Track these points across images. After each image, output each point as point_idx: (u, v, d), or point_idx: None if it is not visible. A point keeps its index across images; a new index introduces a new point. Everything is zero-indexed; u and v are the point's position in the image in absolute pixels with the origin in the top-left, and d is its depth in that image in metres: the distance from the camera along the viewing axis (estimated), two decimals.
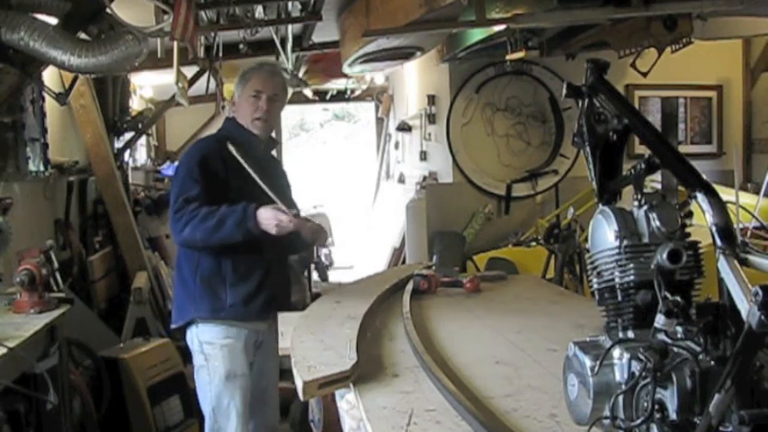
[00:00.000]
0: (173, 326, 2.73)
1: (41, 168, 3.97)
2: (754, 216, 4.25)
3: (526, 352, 1.97)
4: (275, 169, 2.85)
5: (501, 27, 4.13)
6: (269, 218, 2.40)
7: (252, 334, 2.64)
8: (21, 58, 2.84)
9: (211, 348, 2.57)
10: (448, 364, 1.85)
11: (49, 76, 4.17)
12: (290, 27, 4.83)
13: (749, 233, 4.22)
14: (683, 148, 5.37)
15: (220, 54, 4.96)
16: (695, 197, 1.21)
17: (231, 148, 2.54)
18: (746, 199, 4.48)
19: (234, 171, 2.55)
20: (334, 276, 7.66)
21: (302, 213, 2.86)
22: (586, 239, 1.41)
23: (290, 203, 2.70)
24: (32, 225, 4.04)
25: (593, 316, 1.51)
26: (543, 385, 1.65)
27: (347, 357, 1.79)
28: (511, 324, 2.30)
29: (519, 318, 2.43)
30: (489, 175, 5.91)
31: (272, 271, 2.66)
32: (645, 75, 4.85)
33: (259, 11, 4.32)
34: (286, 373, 2.36)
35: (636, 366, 1.15)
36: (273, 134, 2.90)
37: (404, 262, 6.38)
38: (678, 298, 1.14)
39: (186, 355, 3.09)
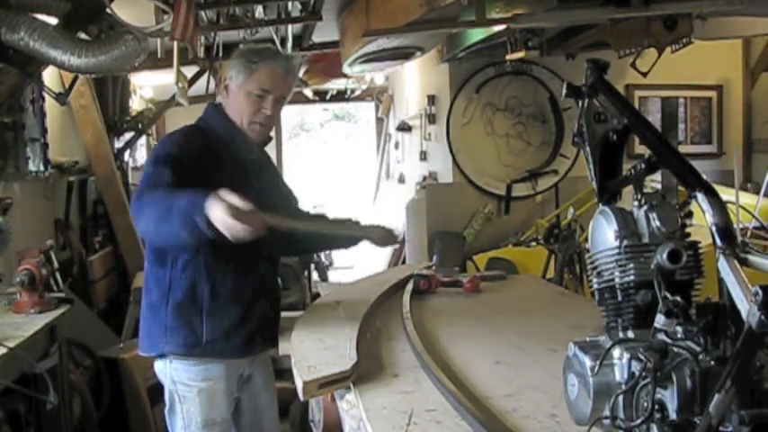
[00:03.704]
0: (141, 353, 2.26)
1: (41, 168, 3.98)
2: (754, 216, 4.25)
3: (526, 352, 1.97)
4: (268, 171, 2.39)
5: (501, 27, 4.13)
6: (218, 214, 1.67)
7: (234, 370, 2.23)
8: (21, 58, 2.84)
9: (187, 391, 2.15)
10: (448, 364, 1.85)
11: (49, 76, 4.18)
12: (290, 27, 4.83)
13: (749, 233, 4.22)
14: (683, 148, 5.36)
15: (220, 54, 4.96)
16: (695, 197, 1.22)
17: None
18: (746, 199, 4.48)
19: (215, 169, 2.09)
20: (334, 276, 7.65)
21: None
22: (586, 239, 1.41)
23: (287, 210, 2.30)
24: (32, 225, 4.04)
25: (594, 316, 1.51)
26: (543, 385, 1.64)
27: (347, 357, 1.79)
28: (511, 324, 2.30)
29: (519, 318, 2.43)
30: (489, 175, 5.91)
31: (262, 295, 2.23)
32: (645, 75, 4.85)
33: (259, 11, 4.32)
34: (286, 373, 2.34)
35: (636, 366, 1.15)
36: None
37: (404, 262, 6.38)
38: (678, 298, 1.15)
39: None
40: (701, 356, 1.10)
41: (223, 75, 2.28)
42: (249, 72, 2.15)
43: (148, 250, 2.19)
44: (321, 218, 2.52)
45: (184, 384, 2.16)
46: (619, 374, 1.18)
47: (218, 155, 2.15)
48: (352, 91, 8.96)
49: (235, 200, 1.69)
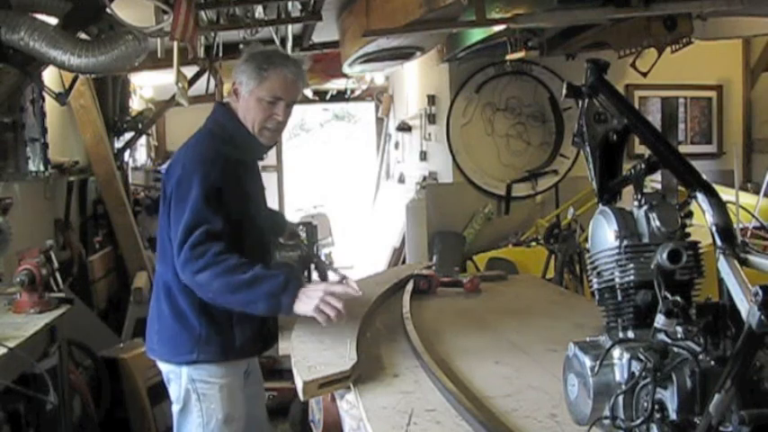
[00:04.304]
0: (153, 357, 2.29)
1: (41, 168, 3.97)
2: (754, 216, 4.25)
3: (526, 352, 1.97)
4: (258, 173, 2.45)
5: (501, 27, 4.13)
6: (313, 303, 1.93)
7: (244, 366, 2.35)
8: (21, 58, 2.84)
9: (208, 388, 2.20)
10: (448, 364, 1.85)
11: (49, 76, 4.17)
12: (290, 27, 4.83)
13: (749, 233, 4.22)
14: (683, 148, 5.35)
15: (220, 54, 4.96)
16: (695, 197, 1.22)
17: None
18: (746, 199, 4.48)
19: (236, 183, 2.19)
20: (334, 276, 7.61)
21: (301, 215, 2.73)
22: (586, 239, 1.41)
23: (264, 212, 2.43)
24: (32, 225, 4.04)
25: (593, 316, 1.52)
26: (543, 385, 1.64)
27: (347, 357, 1.79)
28: (511, 324, 2.30)
29: (519, 318, 2.43)
30: (489, 175, 5.91)
31: None
32: (645, 75, 4.85)
33: (259, 11, 4.32)
34: (286, 373, 2.36)
35: (636, 366, 1.15)
36: None
37: (404, 262, 6.37)
38: (678, 298, 1.15)
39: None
40: (701, 356, 1.10)
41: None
42: (260, 79, 2.16)
43: (172, 261, 2.14)
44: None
45: (205, 382, 2.19)
46: (619, 374, 1.18)
47: (239, 159, 2.22)
48: (352, 91, 8.96)
49: (333, 288, 1.98)
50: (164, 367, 2.27)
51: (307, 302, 1.93)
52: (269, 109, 2.19)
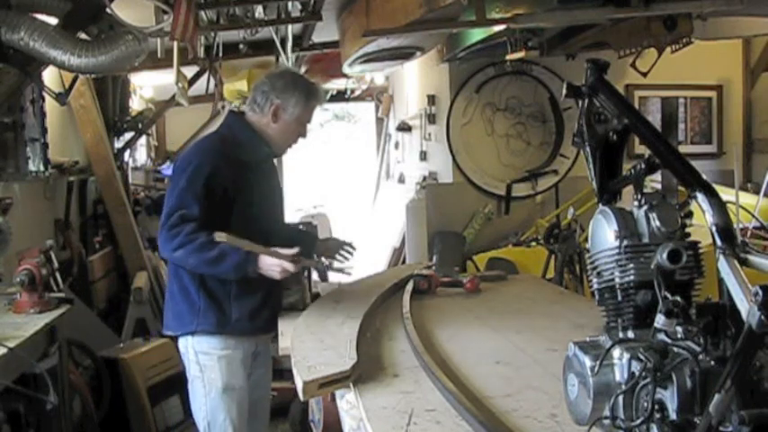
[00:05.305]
0: (167, 332, 2.59)
1: (41, 168, 3.97)
2: (754, 216, 4.25)
3: (526, 352, 1.97)
4: (274, 177, 2.73)
5: (501, 27, 4.13)
6: (272, 265, 2.31)
7: (251, 345, 2.55)
8: (21, 58, 2.84)
9: (208, 359, 2.44)
10: (448, 364, 1.85)
11: (49, 76, 4.17)
12: (290, 27, 4.83)
13: (749, 233, 4.22)
14: (683, 148, 5.35)
15: (220, 54, 4.96)
16: (695, 197, 1.22)
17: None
18: (746, 199, 4.48)
19: (239, 183, 2.43)
20: (333, 276, 7.62)
21: (301, 215, 2.86)
22: (586, 239, 1.41)
23: (281, 216, 2.72)
24: (32, 225, 4.04)
25: (594, 316, 1.51)
26: (543, 385, 1.64)
27: (347, 357, 1.79)
28: (511, 324, 2.30)
29: (519, 318, 2.43)
30: (489, 175, 5.90)
31: (276, 285, 2.53)
32: (645, 75, 4.85)
33: (259, 11, 4.32)
34: (286, 373, 2.37)
35: (636, 366, 1.15)
36: None
37: (404, 262, 6.37)
38: (678, 298, 1.14)
39: None
40: (701, 356, 1.10)
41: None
42: (307, 107, 2.53)
43: None
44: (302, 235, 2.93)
45: (206, 353, 2.44)
46: (619, 374, 1.18)
47: (243, 160, 2.47)
48: (352, 91, 8.95)
49: (279, 251, 2.32)
50: (180, 344, 2.52)
51: (270, 273, 2.32)
52: (304, 130, 2.57)
